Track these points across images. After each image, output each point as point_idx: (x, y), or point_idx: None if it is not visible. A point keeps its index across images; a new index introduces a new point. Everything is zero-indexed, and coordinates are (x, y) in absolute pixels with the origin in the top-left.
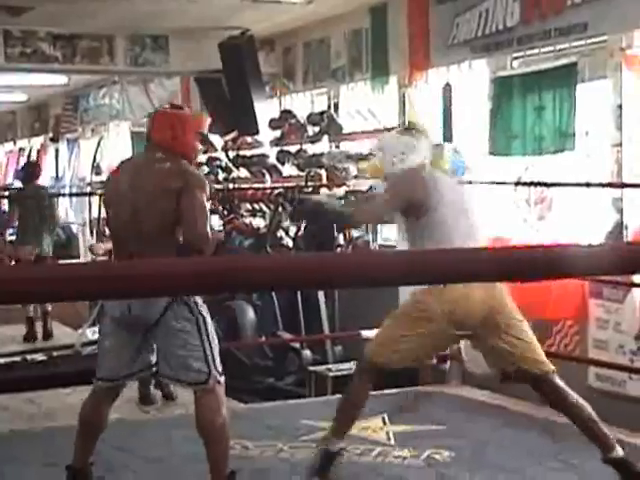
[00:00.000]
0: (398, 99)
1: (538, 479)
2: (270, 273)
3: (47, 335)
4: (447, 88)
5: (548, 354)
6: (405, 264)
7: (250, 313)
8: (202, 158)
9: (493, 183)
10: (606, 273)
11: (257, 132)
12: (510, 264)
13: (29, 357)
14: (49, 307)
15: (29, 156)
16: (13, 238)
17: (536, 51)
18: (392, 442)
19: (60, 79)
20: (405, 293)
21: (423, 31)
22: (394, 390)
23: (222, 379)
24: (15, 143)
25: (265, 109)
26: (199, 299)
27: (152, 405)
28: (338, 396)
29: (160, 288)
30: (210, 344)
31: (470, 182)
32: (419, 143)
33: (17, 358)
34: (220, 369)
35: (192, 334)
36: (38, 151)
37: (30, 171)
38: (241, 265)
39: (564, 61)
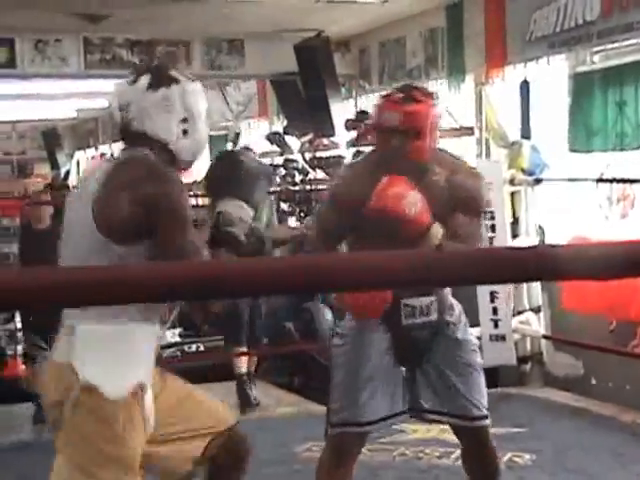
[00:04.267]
0: (475, 97)
1: None
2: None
3: None
4: (525, 85)
5: (633, 355)
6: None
7: (328, 315)
8: (279, 160)
9: (574, 180)
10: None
11: (333, 133)
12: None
13: None
14: None
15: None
16: None
17: (617, 45)
18: None
19: None
20: (482, 289)
21: (500, 28)
22: None
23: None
24: (97, 149)
25: (341, 110)
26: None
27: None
28: None
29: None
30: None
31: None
32: None
33: None
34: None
35: None
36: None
37: None
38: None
39: None
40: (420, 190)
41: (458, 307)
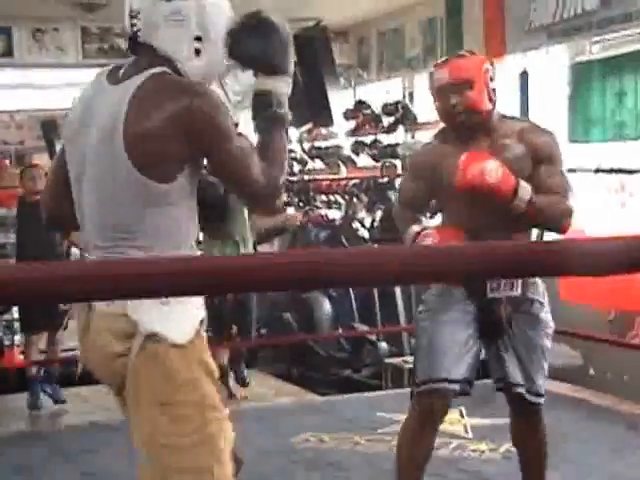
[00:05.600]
0: None
1: (620, 475)
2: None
3: None
4: (524, 75)
5: (631, 346)
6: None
7: (326, 305)
8: None
9: (572, 170)
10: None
11: (332, 123)
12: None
13: None
14: None
15: None
16: None
17: (616, 35)
18: (470, 435)
19: None
20: None
21: (499, 17)
22: None
23: None
24: None
25: (339, 100)
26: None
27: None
28: None
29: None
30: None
31: None
32: None
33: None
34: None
35: None
36: None
37: None
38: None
39: None
40: (496, 152)
41: (543, 285)
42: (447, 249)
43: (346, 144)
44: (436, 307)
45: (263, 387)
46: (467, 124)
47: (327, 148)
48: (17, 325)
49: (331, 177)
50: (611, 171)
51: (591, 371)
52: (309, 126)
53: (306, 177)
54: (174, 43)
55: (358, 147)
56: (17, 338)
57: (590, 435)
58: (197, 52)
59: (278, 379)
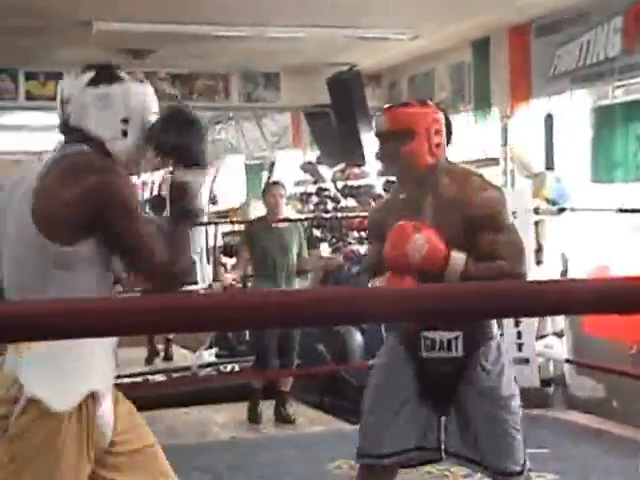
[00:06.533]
0: (500, 129)
1: None
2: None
3: (168, 358)
4: (549, 118)
5: None
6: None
7: (358, 337)
8: (312, 188)
9: (596, 210)
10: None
11: (364, 163)
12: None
13: (150, 378)
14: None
15: (151, 189)
16: None
17: (638, 80)
18: None
19: None
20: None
21: (524, 63)
22: None
23: None
24: (139, 177)
25: (372, 141)
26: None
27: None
28: None
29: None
30: None
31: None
32: None
33: (139, 379)
34: None
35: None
36: (160, 184)
37: (156, 204)
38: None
39: None
40: (436, 211)
41: (498, 343)
42: (469, 288)
43: (378, 183)
44: (381, 371)
45: (298, 415)
46: (403, 177)
47: (359, 187)
48: None
49: (363, 214)
50: (633, 211)
51: (614, 403)
52: (342, 166)
53: (339, 214)
54: (102, 124)
55: (389, 186)
56: None
57: (613, 466)
58: (124, 133)
59: (311, 408)
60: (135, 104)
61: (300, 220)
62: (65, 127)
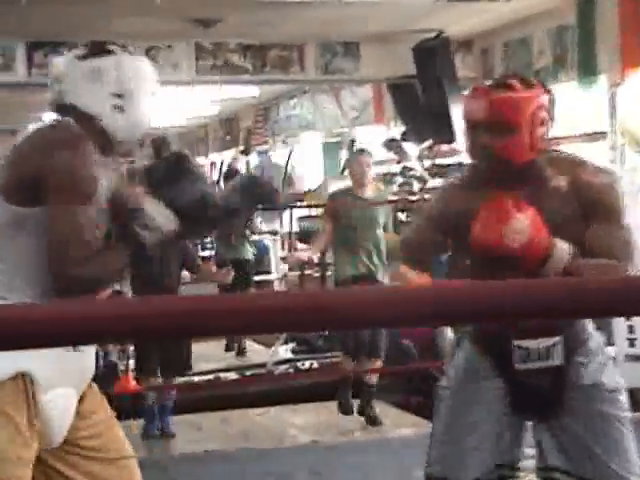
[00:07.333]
0: (608, 100)
1: None
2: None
3: (241, 352)
4: None
5: None
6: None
7: (448, 332)
8: (396, 168)
9: None
10: None
11: (454, 139)
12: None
13: (222, 376)
14: None
15: (220, 170)
16: None
17: None
18: None
19: (250, 91)
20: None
21: (637, 23)
22: None
23: None
24: (207, 157)
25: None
26: None
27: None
28: None
29: None
30: None
31: None
32: None
33: (210, 377)
34: None
35: None
36: (229, 164)
37: (229, 175)
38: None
39: None
40: (534, 202)
41: (595, 341)
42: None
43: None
44: (458, 386)
45: (382, 417)
46: (497, 173)
47: (449, 166)
48: (132, 349)
49: None
50: None
51: None
52: (430, 143)
53: (426, 196)
54: (91, 99)
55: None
56: (132, 363)
57: None
58: (118, 108)
59: (396, 408)
60: (129, 77)
61: (381, 203)
62: (57, 105)
